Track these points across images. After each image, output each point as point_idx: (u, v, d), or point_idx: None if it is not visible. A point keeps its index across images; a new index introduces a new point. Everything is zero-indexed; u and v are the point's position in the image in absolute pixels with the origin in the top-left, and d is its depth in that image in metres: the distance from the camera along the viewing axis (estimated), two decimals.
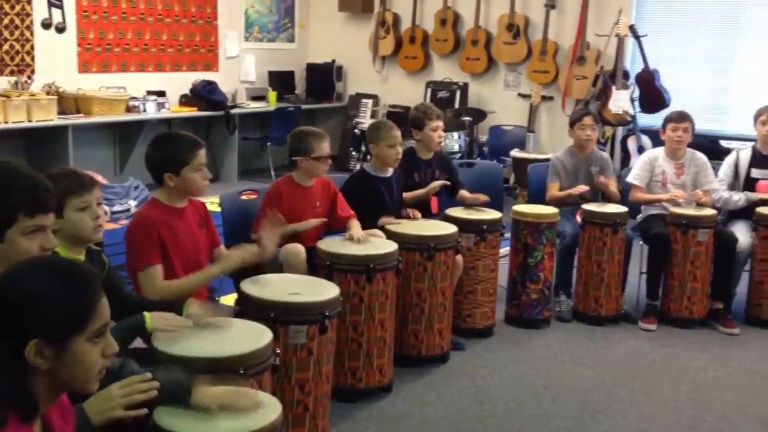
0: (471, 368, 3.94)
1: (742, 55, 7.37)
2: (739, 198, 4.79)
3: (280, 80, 9.39)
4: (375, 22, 9.17)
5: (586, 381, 3.86)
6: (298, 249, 3.46)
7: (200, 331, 2.52)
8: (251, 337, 2.52)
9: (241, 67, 9.07)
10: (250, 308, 2.94)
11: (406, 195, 4.30)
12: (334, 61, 9.52)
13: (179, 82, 8.19)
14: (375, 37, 9.17)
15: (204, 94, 8.12)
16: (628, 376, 3.93)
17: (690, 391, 3.78)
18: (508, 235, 4.57)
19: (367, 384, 3.52)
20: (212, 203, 3.77)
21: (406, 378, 3.75)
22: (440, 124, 4.44)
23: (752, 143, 4.97)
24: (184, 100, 8.15)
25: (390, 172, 4.12)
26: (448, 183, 4.46)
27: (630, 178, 4.93)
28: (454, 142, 7.41)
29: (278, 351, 2.59)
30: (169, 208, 3.01)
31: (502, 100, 8.51)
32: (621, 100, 7.40)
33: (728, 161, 4.93)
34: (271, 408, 2.10)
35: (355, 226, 3.76)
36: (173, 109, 7.95)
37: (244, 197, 4.00)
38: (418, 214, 4.17)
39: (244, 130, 8.69)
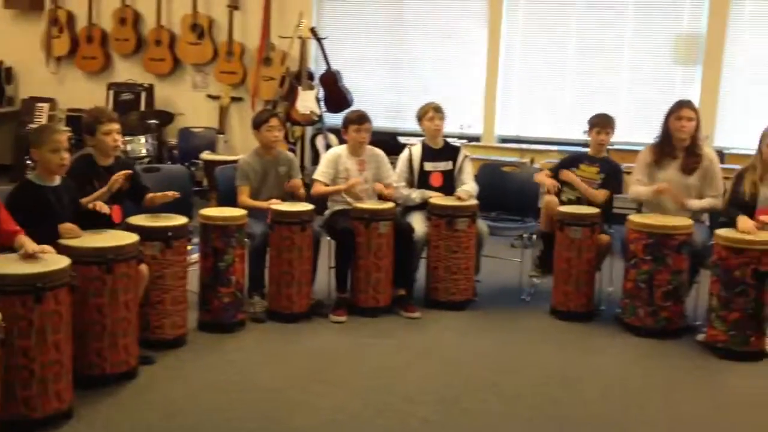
0: (161, 381, 3.78)
1: (411, 56, 7.92)
2: (416, 196, 5.13)
3: None
4: (47, 20, 8.50)
5: (280, 379, 3.89)
6: None
7: None
8: None
9: None
10: None
11: (84, 200, 3.99)
12: (2, 62, 8.69)
13: None
14: (47, 37, 8.51)
15: None
16: (321, 369, 4.03)
17: (377, 377, 3.96)
18: (197, 239, 4.47)
19: (43, 413, 3.22)
20: None
21: (89, 400, 3.50)
22: (115, 127, 4.18)
23: (422, 138, 5.35)
24: None
25: (58, 180, 3.78)
26: (130, 171, 4.19)
27: (315, 175, 5.07)
28: (140, 146, 7.11)
29: None
30: None
31: (190, 102, 8.33)
32: (307, 101, 7.61)
33: (402, 157, 5.25)
34: None
35: (26, 242, 3.41)
36: None
37: None
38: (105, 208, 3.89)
39: None
